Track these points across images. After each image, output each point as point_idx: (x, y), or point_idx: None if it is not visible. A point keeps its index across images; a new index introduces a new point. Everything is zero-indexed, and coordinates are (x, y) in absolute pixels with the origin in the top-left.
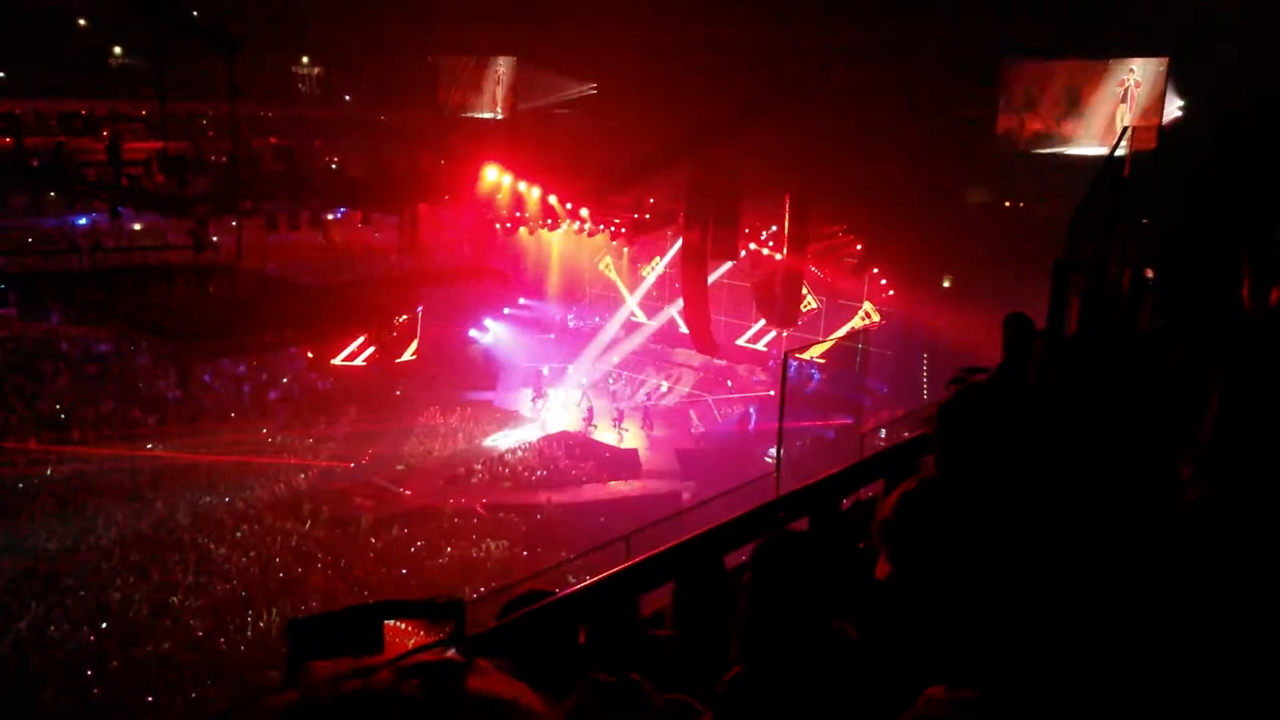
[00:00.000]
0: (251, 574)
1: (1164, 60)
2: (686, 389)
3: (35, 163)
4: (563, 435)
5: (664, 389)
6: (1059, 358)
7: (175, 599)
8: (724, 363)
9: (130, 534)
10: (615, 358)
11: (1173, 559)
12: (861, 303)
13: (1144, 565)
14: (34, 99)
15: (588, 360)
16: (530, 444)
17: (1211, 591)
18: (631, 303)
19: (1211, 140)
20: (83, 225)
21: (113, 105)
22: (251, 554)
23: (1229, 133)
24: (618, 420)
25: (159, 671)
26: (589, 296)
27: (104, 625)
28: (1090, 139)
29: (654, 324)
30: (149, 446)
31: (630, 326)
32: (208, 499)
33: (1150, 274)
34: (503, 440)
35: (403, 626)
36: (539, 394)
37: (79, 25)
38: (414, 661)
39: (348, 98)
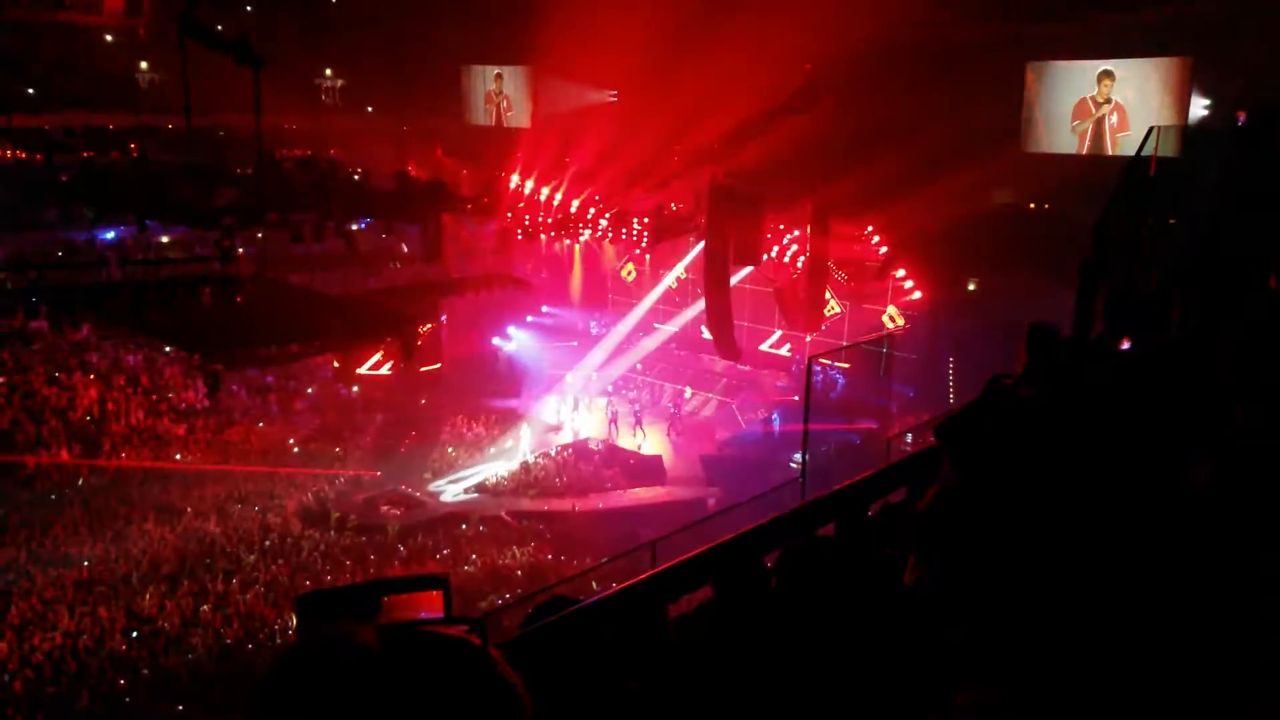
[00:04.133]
0: (280, 582)
1: (1188, 61)
2: (710, 395)
3: (64, 177)
4: (587, 442)
5: (688, 394)
6: (1085, 362)
7: (205, 607)
8: (747, 368)
9: (161, 543)
10: (639, 364)
11: (1195, 568)
12: (885, 307)
13: (1167, 572)
14: (62, 114)
15: (593, 364)
16: (555, 451)
17: (1234, 600)
18: (648, 303)
19: (1237, 139)
20: (111, 238)
21: (140, 119)
22: (280, 562)
23: (1256, 131)
24: (636, 423)
25: (190, 679)
26: (611, 303)
27: (135, 634)
28: (1114, 139)
29: (671, 328)
30: (178, 457)
31: (649, 330)
32: (237, 508)
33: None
34: (527, 448)
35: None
36: (564, 401)
37: (106, 41)
38: (431, 630)
39: (370, 108)
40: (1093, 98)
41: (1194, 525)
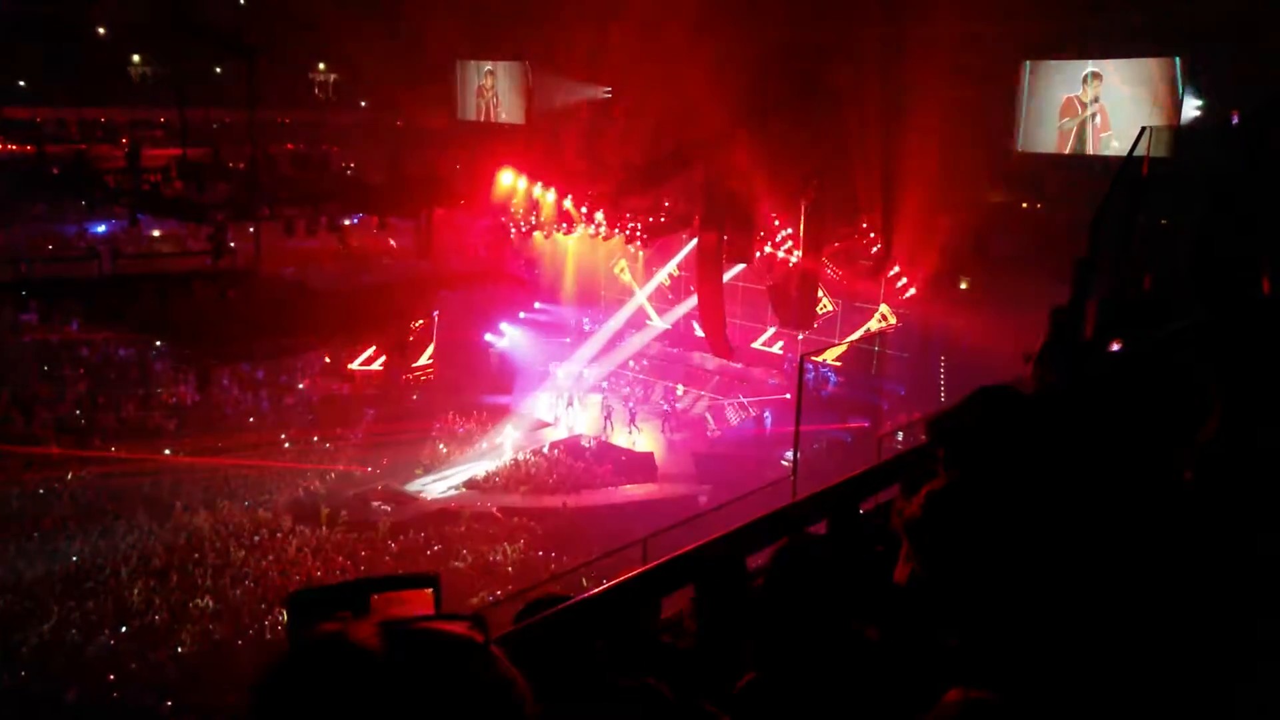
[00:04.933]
0: (270, 578)
1: (1182, 60)
2: (702, 392)
3: (56, 170)
4: (580, 439)
5: (680, 392)
6: (1076, 359)
7: (194, 603)
8: (740, 365)
9: (150, 538)
10: (631, 361)
11: (1185, 564)
12: (878, 305)
13: (1158, 570)
14: (54, 107)
15: (584, 360)
16: (547, 447)
17: (1223, 599)
18: (640, 299)
19: (1231, 139)
20: (102, 232)
21: (132, 113)
22: (270, 558)
23: (1252, 130)
24: (630, 421)
25: (178, 674)
26: (604, 300)
27: (124, 629)
28: (1110, 139)
29: (664, 324)
30: (168, 451)
31: (642, 327)
32: (226, 503)
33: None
34: (519, 444)
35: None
36: (560, 397)
37: (99, 34)
38: (433, 626)
39: (364, 103)
40: (1078, 97)
41: (1183, 522)
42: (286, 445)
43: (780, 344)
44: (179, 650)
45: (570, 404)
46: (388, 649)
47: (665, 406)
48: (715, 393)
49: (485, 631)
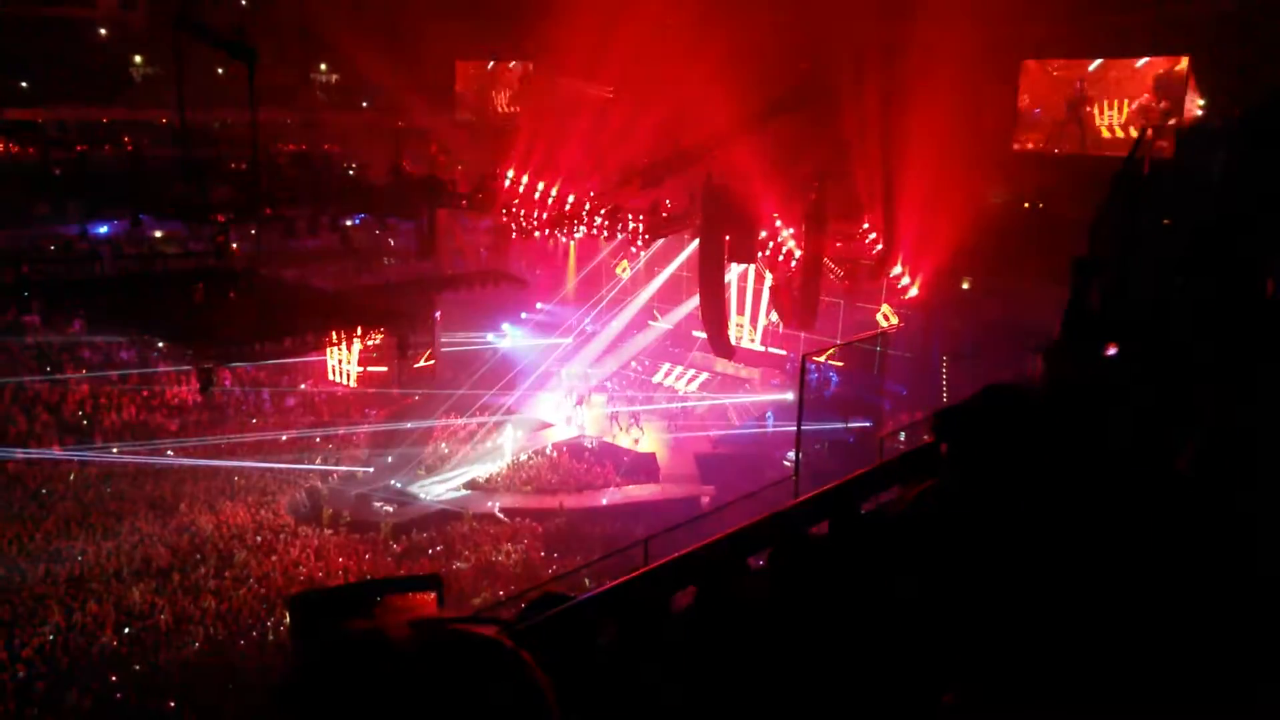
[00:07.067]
0: (273, 579)
1: (1184, 60)
2: (705, 393)
3: (58, 171)
4: (582, 440)
5: (681, 391)
6: (1080, 357)
7: (197, 604)
8: (741, 365)
9: (152, 539)
10: (633, 361)
11: (1185, 560)
12: (880, 305)
13: (1158, 567)
14: (56, 108)
15: (588, 360)
16: (549, 448)
17: (1213, 596)
18: (641, 301)
19: (1233, 138)
20: (104, 233)
21: (133, 114)
22: (272, 559)
23: (1252, 129)
24: (634, 421)
25: (181, 675)
26: (606, 300)
27: (126, 630)
28: (1110, 139)
29: (665, 324)
30: (170, 453)
31: (643, 327)
32: (228, 504)
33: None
34: (519, 445)
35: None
36: (568, 397)
37: (100, 35)
38: (465, 629)
39: (365, 104)
40: (1084, 94)
41: (1182, 519)
42: (289, 445)
43: (782, 339)
44: (182, 651)
45: (580, 403)
46: (421, 649)
47: (669, 407)
48: (717, 392)
49: (513, 636)
